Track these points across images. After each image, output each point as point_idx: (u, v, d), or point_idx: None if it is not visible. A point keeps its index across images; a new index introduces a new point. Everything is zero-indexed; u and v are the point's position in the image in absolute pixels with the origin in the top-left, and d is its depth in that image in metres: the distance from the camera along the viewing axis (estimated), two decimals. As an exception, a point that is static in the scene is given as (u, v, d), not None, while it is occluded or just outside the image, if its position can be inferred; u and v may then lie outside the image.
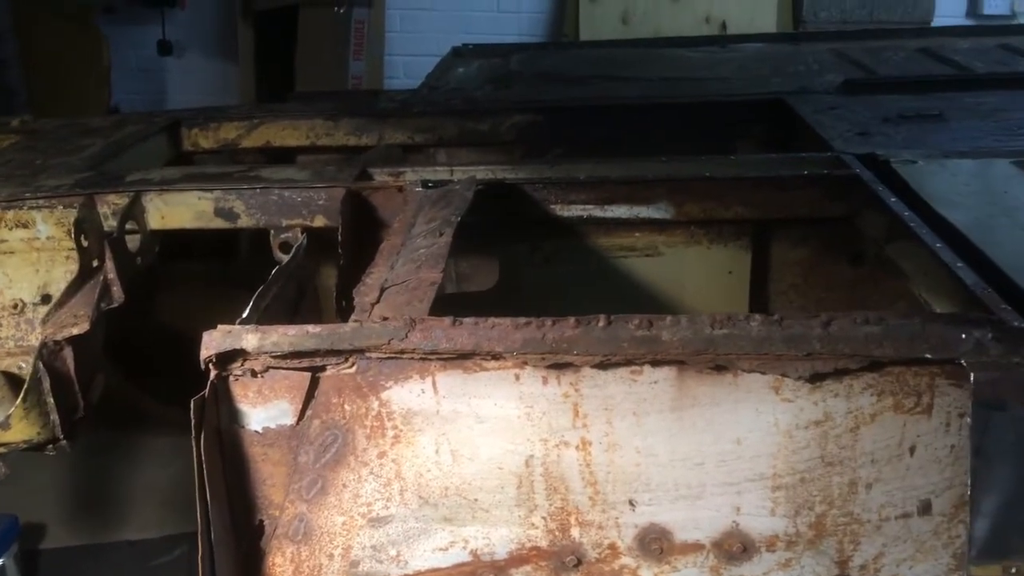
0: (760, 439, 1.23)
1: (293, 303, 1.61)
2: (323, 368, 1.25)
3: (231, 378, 1.25)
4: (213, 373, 1.24)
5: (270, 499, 1.30)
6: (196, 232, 1.98)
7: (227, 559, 1.26)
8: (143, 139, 2.47)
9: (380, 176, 1.99)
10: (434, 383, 1.24)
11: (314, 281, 1.91)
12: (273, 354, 1.23)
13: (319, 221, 1.91)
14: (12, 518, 2.96)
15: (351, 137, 2.62)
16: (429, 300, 1.34)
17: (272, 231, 1.93)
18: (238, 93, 6.56)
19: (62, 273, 1.92)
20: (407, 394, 1.25)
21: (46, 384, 1.69)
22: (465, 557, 1.30)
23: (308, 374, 1.25)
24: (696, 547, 1.28)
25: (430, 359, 1.23)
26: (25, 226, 1.93)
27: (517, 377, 1.23)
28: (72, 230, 1.78)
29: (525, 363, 1.22)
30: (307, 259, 1.76)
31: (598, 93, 2.94)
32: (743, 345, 1.19)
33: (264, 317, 1.37)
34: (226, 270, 2.51)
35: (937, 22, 6.17)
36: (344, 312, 1.79)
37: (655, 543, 1.28)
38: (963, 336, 1.18)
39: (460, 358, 1.22)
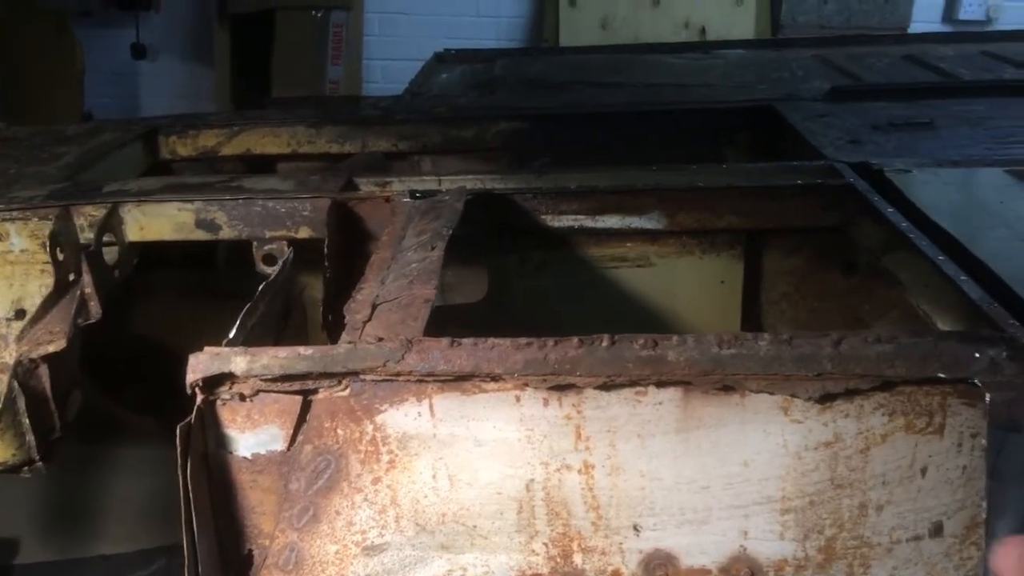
0: (768, 461, 1.20)
1: (280, 319, 1.55)
2: (315, 391, 1.20)
3: (218, 402, 1.20)
4: (200, 397, 1.19)
5: (259, 528, 1.25)
6: (173, 241, 1.92)
7: (214, 590, 1.21)
8: (119, 147, 2.40)
9: (367, 186, 1.93)
10: (431, 406, 1.20)
11: (301, 296, 1.86)
12: (263, 377, 1.18)
13: (304, 232, 1.85)
14: (-16, 535, 2.89)
15: (333, 144, 2.56)
16: (424, 319, 1.29)
17: (255, 243, 1.87)
18: (213, 97, 6.49)
19: (37, 287, 1.86)
20: (403, 417, 1.20)
21: (21, 404, 1.63)
22: (463, 585, 1.26)
23: (299, 398, 1.20)
24: (702, 572, 1.24)
25: (427, 381, 1.18)
26: (-2, 239, 1.87)
27: (517, 399, 1.19)
28: (47, 243, 1.72)
29: (526, 385, 1.18)
30: (294, 272, 1.71)
31: (584, 99, 2.90)
32: (751, 365, 1.16)
33: (252, 337, 1.31)
34: (203, 279, 2.45)
35: (913, 27, 6.22)
36: (331, 326, 1.75)
37: (660, 569, 1.24)
38: (976, 355, 1.15)
39: (458, 380, 1.18)
